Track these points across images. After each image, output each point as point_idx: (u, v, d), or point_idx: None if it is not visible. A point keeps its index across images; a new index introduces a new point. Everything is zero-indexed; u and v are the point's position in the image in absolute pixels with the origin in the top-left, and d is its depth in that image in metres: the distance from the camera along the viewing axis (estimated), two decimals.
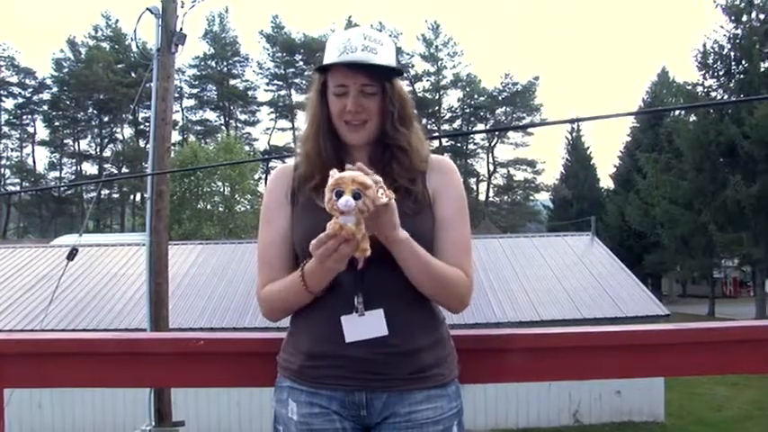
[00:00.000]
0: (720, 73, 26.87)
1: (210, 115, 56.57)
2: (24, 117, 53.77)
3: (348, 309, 1.51)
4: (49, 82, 52.02)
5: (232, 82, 55.64)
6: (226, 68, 55.44)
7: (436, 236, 1.60)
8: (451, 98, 56.27)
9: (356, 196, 1.38)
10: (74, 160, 54.74)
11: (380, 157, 1.63)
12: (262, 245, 1.66)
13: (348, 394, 1.53)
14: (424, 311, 1.58)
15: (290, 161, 1.74)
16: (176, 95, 44.91)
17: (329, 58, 1.60)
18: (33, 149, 54.54)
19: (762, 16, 25.88)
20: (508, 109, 55.45)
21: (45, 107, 53.14)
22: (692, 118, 27.64)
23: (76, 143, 54.72)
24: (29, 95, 52.57)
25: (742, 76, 25.96)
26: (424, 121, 51.15)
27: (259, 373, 1.73)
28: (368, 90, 1.59)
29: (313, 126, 1.66)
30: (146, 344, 1.94)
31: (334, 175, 1.41)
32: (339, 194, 1.38)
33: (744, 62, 25.87)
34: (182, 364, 1.83)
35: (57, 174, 54.50)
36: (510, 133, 54.64)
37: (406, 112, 1.65)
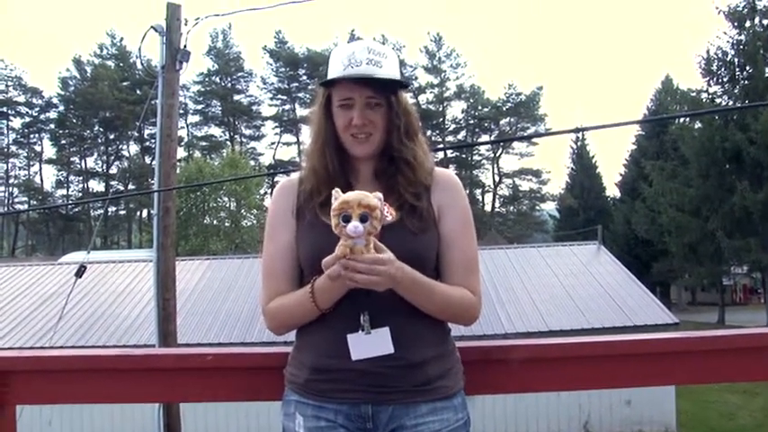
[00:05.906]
0: (725, 79, 26.79)
1: (215, 131, 57.01)
2: (31, 136, 54.26)
3: (354, 324, 1.51)
4: (55, 101, 52.73)
5: (236, 97, 55.96)
6: (230, 84, 55.81)
7: (442, 253, 1.60)
8: (455, 109, 56.52)
9: (363, 219, 1.38)
10: (80, 178, 55.12)
11: (385, 170, 1.63)
12: (267, 258, 1.65)
13: (354, 407, 1.52)
14: (430, 325, 1.57)
15: (295, 174, 1.73)
16: (181, 112, 45.16)
17: (334, 72, 1.60)
18: (41, 168, 55.07)
19: (765, 21, 25.85)
20: (512, 119, 55.53)
21: (52, 126, 53.64)
22: (698, 125, 27.56)
23: (83, 161, 55.17)
24: (36, 114, 53.14)
25: (746, 81, 25.88)
26: (429, 133, 51.23)
27: (267, 388, 1.73)
28: (373, 102, 1.59)
29: (318, 141, 1.66)
30: (154, 360, 1.94)
31: (338, 197, 1.40)
32: (346, 219, 1.38)
33: (748, 68, 25.79)
34: (190, 379, 1.83)
35: (64, 192, 54.90)
36: (515, 143, 54.72)
37: (412, 125, 1.65)
